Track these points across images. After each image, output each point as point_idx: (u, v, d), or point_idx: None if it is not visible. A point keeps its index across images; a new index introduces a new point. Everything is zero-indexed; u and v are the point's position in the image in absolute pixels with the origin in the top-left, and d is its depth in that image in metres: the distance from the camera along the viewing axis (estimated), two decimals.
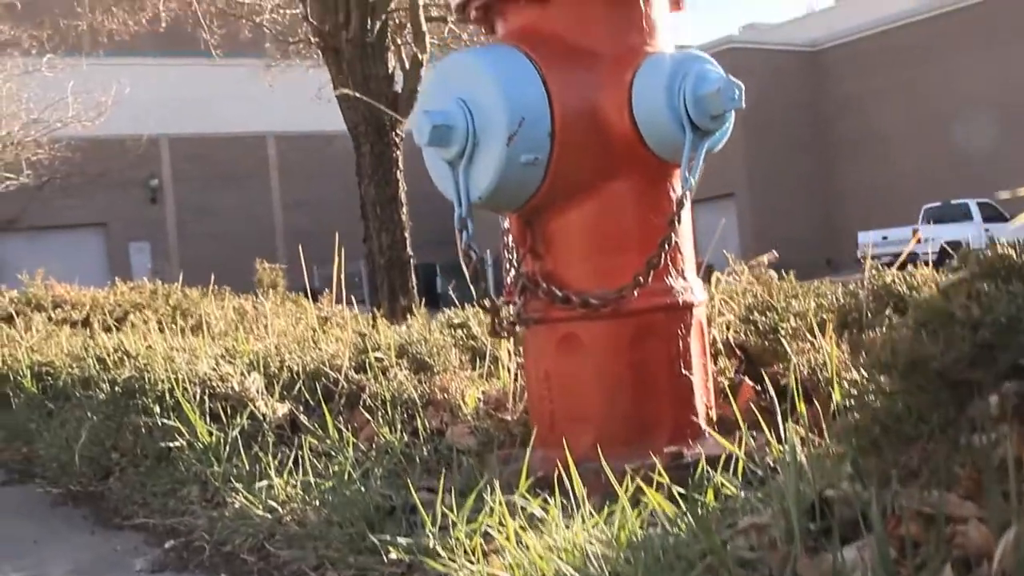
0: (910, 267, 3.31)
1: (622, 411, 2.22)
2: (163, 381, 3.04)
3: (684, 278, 2.27)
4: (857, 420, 1.44)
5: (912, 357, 1.40)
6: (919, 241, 27.85)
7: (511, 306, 2.29)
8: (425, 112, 2.15)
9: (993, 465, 1.27)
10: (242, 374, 2.94)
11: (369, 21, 5.66)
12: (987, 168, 31.78)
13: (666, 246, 2.16)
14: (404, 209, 5.81)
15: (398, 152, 5.78)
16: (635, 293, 2.16)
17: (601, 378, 2.22)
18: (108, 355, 4.08)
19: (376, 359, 3.10)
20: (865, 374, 1.52)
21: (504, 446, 2.52)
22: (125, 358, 3.76)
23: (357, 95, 5.53)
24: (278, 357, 3.23)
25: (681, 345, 2.25)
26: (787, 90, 36.61)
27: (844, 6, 37.73)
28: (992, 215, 29.04)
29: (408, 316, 5.86)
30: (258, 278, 7.84)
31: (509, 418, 2.61)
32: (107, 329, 6.45)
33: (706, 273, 3.24)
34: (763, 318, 3.02)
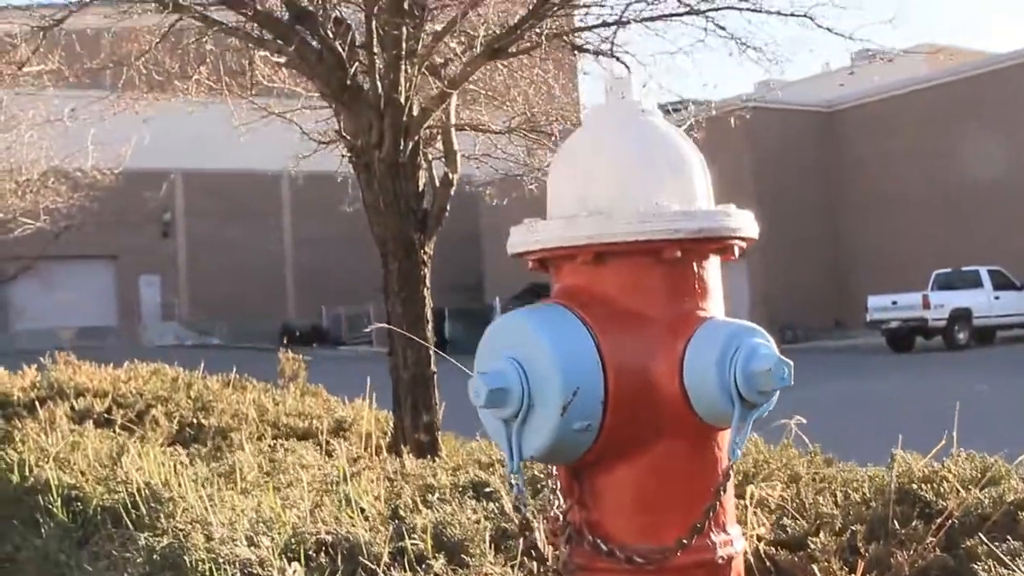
0: (938, 471, 3.37)
1: None
2: (203, 562, 3.10)
3: (726, 532, 2.34)
4: None
5: None
6: (928, 307, 27.99)
7: (556, 551, 2.36)
8: (482, 374, 2.22)
9: None
10: (281, 568, 3.00)
11: (402, 142, 5.76)
12: (999, 236, 31.84)
13: (711, 513, 2.23)
14: (430, 326, 5.89)
15: (426, 270, 5.86)
16: (678, 553, 2.23)
17: None
18: (139, 493, 4.14)
19: (413, 548, 3.17)
20: None
21: None
22: (159, 509, 3.82)
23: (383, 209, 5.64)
24: (314, 535, 3.29)
25: None
26: (801, 149, 36.78)
27: (860, 68, 37.87)
28: (1002, 283, 29.08)
29: (432, 435, 5.94)
30: (280, 368, 7.92)
31: None
32: (130, 425, 6.54)
33: None
34: (793, 524, 3.08)
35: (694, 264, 2.27)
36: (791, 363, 2.16)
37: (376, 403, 6.94)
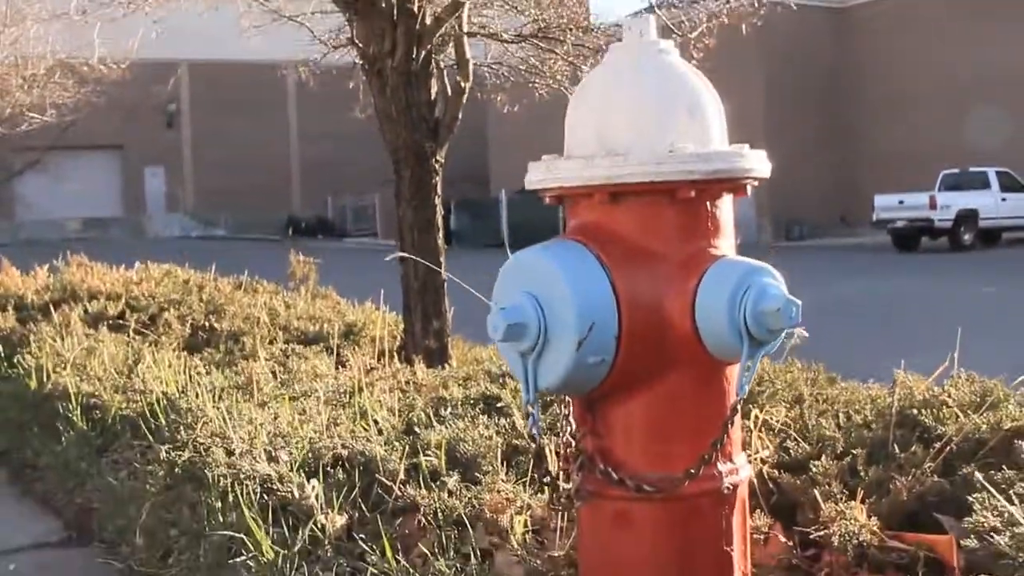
0: (940, 391, 3.45)
1: None
2: (224, 477, 3.20)
3: (732, 461, 2.42)
4: None
5: None
6: (934, 208, 27.96)
7: (569, 478, 2.45)
8: (500, 309, 2.28)
9: None
10: (301, 483, 3.10)
11: (415, 51, 5.76)
12: (1008, 138, 31.63)
13: (718, 445, 2.31)
14: (440, 234, 5.95)
15: (437, 179, 5.90)
16: (686, 483, 2.32)
17: (649, 554, 2.39)
18: (158, 403, 4.24)
19: (427, 464, 3.26)
20: None
21: None
22: (178, 420, 3.92)
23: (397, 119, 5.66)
24: (331, 450, 3.39)
25: (725, 523, 2.42)
26: (812, 47, 36.39)
27: None
28: (1010, 185, 28.99)
29: (442, 342, 6.03)
30: (291, 271, 7.99)
31: (556, 554, 2.78)
32: (144, 328, 6.63)
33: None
34: (796, 447, 3.17)
35: (707, 204, 2.32)
36: (799, 302, 2.22)
37: (384, 302, 7.03)
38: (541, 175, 2.38)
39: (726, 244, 2.37)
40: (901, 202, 28.63)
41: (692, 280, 2.28)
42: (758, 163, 2.33)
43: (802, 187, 34.89)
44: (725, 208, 2.37)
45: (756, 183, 2.37)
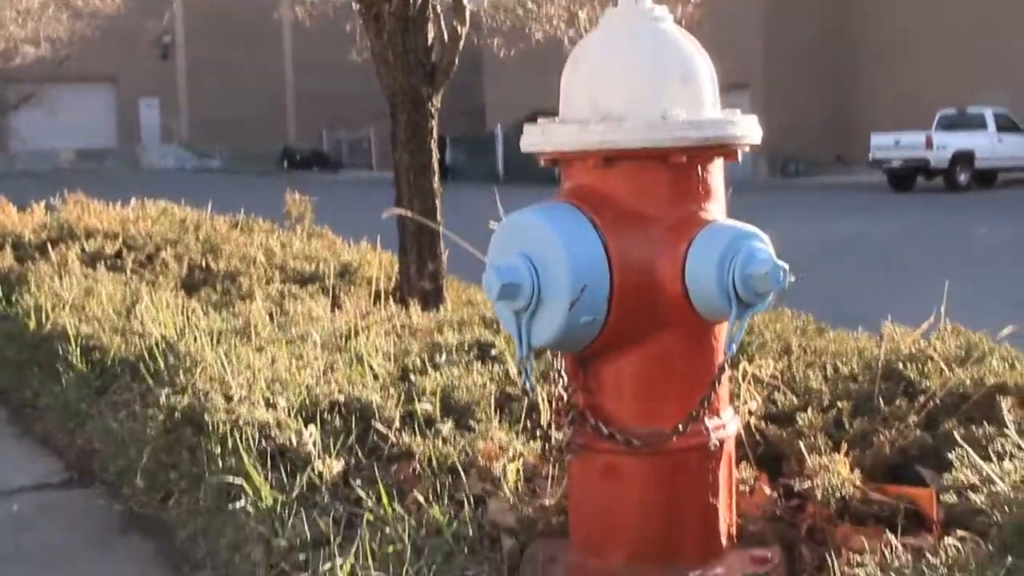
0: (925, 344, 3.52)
1: (654, 535, 2.48)
2: (223, 423, 3.28)
3: (719, 417, 2.49)
4: None
5: None
6: (931, 148, 27.95)
7: (560, 431, 2.52)
8: (495, 269, 2.34)
9: None
10: (299, 430, 3.17)
11: None
12: (1006, 79, 31.52)
13: (706, 403, 2.38)
14: (436, 177, 5.99)
15: (433, 123, 5.93)
16: (674, 439, 2.40)
17: (637, 505, 2.47)
18: (156, 346, 4.30)
19: (422, 411, 3.34)
20: None
21: (544, 533, 2.77)
22: (176, 364, 3.98)
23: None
24: (328, 396, 3.46)
25: (711, 477, 2.50)
26: None
27: None
28: (1007, 126, 28.93)
29: (437, 284, 6.08)
30: (287, 210, 8.04)
31: (548, 503, 2.86)
32: (141, 267, 6.69)
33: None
34: (783, 399, 3.25)
35: (699, 169, 2.37)
36: (787, 266, 2.28)
37: (380, 242, 7.08)
38: (536, 139, 2.43)
39: (717, 208, 2.42)
40: (897, 142, 28.60)
41: (683, 243, 2.34)
42: (749, 129, 2.37)
43: (799, 125, 34.81)
44: (716, 173, 2.42)
45: (748, 148, 2.41)
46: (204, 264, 6.73)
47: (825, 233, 16.75)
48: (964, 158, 28.03)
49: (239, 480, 3.03)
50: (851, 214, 21.63)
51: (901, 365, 3.34)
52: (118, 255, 6.92)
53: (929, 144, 27.97)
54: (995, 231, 17.24)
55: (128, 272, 6.41)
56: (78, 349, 4.64)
